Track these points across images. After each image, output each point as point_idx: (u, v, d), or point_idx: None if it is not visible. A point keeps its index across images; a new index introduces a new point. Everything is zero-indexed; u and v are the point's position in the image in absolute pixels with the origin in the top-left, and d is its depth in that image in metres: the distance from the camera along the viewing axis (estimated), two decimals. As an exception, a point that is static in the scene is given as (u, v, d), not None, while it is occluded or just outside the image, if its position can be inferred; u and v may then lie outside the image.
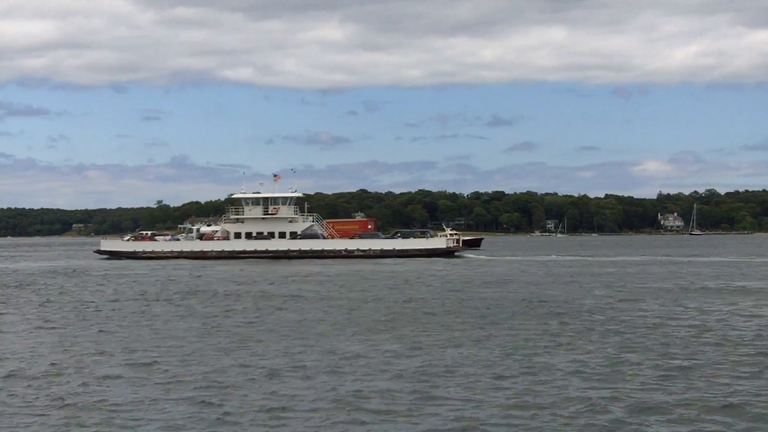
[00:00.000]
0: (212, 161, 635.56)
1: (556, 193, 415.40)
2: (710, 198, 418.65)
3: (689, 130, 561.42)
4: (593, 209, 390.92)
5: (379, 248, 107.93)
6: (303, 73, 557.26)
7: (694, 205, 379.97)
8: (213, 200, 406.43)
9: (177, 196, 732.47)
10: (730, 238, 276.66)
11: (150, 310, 44.58)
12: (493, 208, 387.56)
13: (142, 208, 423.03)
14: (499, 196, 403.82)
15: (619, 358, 27.43)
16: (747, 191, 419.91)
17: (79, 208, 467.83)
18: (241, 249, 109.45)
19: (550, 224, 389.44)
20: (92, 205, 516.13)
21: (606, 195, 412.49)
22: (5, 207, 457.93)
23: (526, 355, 28.32)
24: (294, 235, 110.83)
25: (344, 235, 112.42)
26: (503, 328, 35.29)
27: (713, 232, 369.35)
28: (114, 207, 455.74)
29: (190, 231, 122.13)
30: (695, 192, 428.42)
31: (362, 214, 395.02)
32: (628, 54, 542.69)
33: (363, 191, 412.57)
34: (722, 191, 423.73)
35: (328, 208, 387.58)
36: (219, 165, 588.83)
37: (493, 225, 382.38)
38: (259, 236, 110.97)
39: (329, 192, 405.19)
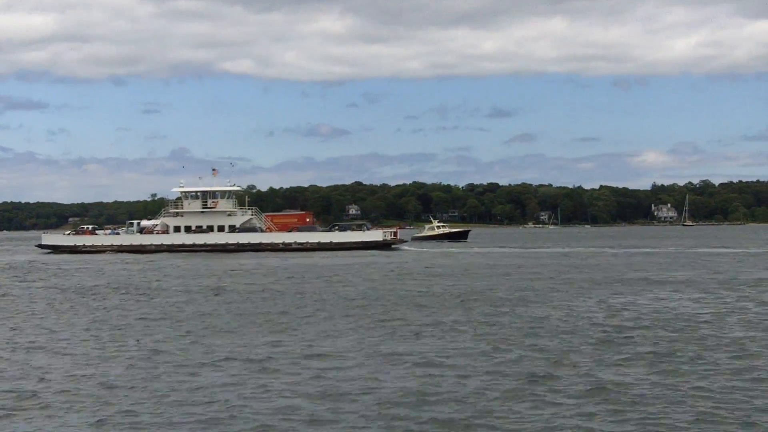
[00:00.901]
0: (212, 154, 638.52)
1: (551, 185, 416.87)
2: (704, 189, 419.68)
3: (689, 120, 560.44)
4: (587, 201, 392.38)
5: (316, 241, 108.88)
6: (303, 66, 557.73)
7: (686, 196, 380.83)
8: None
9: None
10: (720, 229, 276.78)
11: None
12: (486, 200, 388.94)
13: (137, 202, 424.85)
14: (493, 187, 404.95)
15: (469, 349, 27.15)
16: (741, 182, 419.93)
17: (76, 202, 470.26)
18: (180, 242, 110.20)
19: (544, 216, 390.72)
20: (91, 199, 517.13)
21: (601, 186, 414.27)
22: (1, 201, 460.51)
23: (372, 344, 28.35)
24: (233, 229, 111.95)
25: (283, 228, 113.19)
26: (362, 318, 35.70)
27: (706, 223, 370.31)
28: (113, 200, 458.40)
29: (131, 225, 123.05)
30: (690, 183, 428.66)
31: (356, 207, 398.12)
32: (628, 45, 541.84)
33: (358, 183, 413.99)
34: (722, 182, 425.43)
35: (322, 200, 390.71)
36: (219, 158, 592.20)
37: (487, 217, 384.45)
38: (198, 230, 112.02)
39: (329, 184, 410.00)
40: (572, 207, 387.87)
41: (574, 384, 21.51)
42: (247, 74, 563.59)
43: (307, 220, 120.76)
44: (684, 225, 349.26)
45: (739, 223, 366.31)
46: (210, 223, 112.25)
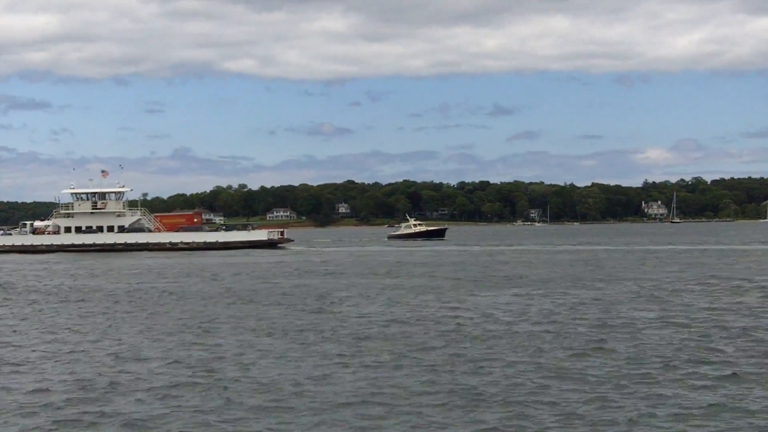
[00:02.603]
0: (214, 153, 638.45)
1: (542, 182, 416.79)
2: (696, 186, 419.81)
3: (691, 117, 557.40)
4: (576, 198, 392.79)
5: (203, 241, 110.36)
6: (306, 64, 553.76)
7: (674, 194, 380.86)
8: (199, 192, 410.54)
9: (178, 188, 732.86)
10: (708, 226, 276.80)
11: None
12: (476, 198, 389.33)
13: (134, 201, 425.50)
14: (483, 185, 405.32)
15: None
16: (733, 179, 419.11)
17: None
18: (70, 243, 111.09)
19: (534, 213, 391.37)
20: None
21: (593, 183, 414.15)
22: (5, 200, 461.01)
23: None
24: (122, 229, 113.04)
25: (171, 228, 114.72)
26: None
27: (696, 220, 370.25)
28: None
29: (24, 226, 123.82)
30: (682, 180, 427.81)
31: (346, 206, 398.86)
32: (630, 42, 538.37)
33: (350, 182, 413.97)
34: (715, 179, 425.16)
35: (312, 199, 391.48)
36: (221, 157, 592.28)
37: (477, 215, 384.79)
38: (89, 230, 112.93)
39: (331, 182, 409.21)
40: (562, 204, 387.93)
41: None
42: (250, 73, 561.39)
43: (195, 220, 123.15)
44: (672, 222, 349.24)
45: (728, 219, 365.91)
46: (99, 224, 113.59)
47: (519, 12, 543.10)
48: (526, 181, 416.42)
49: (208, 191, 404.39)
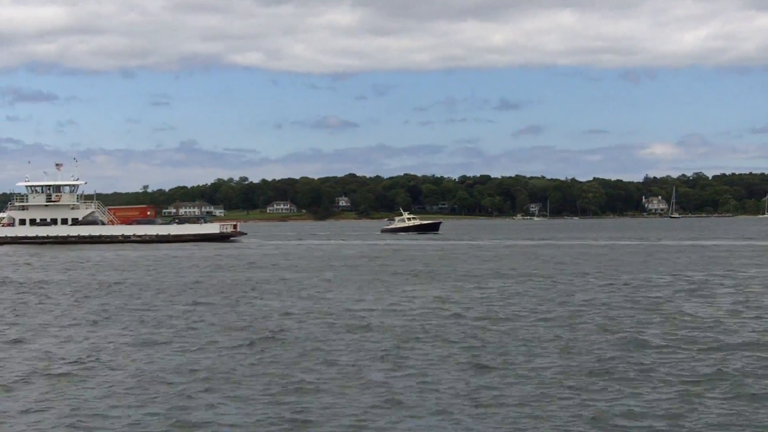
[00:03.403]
0: (220, 145, 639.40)
1: (544, 177, 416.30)
2: (697, 181, 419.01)
3: (697, 113, 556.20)
4: (576, 193, 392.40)
5: (155, 234, 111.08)
6: (312, 58, 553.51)
7: (674, 189, 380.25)
8: (199, 185, 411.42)
9: (184, 180, 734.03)
10: (706, 221, 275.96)
11: None
12: (476, 192, 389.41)
13: (136, 193, 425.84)
14: (484, 179, 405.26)
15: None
16: (734, 174, 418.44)
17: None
18: (24, 234, 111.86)
19: (534, 208, 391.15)
20: (100, 190, 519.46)
21: (594, 178, 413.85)
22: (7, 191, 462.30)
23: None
24: (75, 221, 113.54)
25: (124, 221, 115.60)
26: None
27: (696, 215, 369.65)
28: (119, 192, 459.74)
29: None
30: (683, 175, 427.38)
31: (346, 199, 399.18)
32: (637, 38, 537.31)
33: (351, 176, 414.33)
34: (716, 174, 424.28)
35: (312, 192, 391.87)
36: (226, 149, 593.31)
37: (477, 209, 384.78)
38: (43, 222, 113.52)
39: (335, 175, 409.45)
40: (562, 199, 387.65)
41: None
42: (257, 67, 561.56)
43: (148, 213, 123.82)
44: (671, 217, 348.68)
45: (728, 215, 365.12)
46: (54, 216, 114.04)
47: (526, 7, 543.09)
48: (531, 175, 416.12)
49: (209, 184, 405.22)
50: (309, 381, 19.77)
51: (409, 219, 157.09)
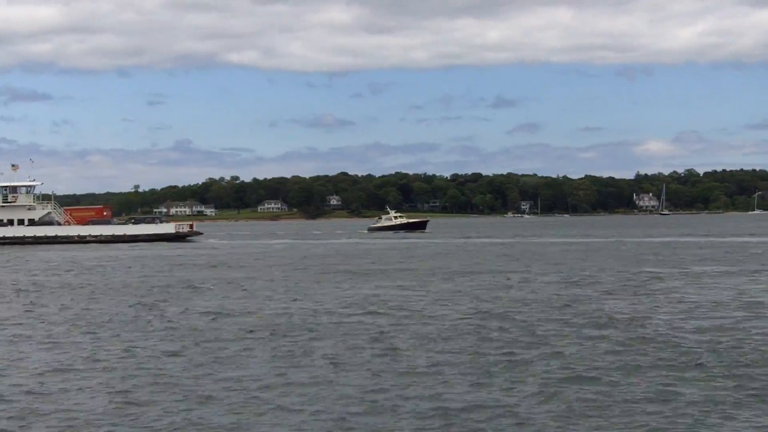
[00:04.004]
0: (216, 145, 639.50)
1: (536, 174, 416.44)
2: (688, 178, 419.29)
3: (693, 109, 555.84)
4: (567, 190, 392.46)
5: (111, 234, 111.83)
6: (308, 56, 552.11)
7: (663, 185, 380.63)
8: (190, 185, 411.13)
9: (180, 180, 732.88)
10: (696, 218, 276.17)
11: None
12: (467, 190, 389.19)
13: (128, 193, 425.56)
14: (475, 178, 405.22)
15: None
16: (725, 171, 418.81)
17: (68, 193, 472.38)
18: None
19: (525, 205, 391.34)
20: (97, 190, 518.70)
21: (585, 176, 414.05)
22: None
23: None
24: (32, 222, 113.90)
25: (81, 221, 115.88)
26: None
27: (686, 212, 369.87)
28: (104, 191, 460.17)
29: None
30: (675, 172, 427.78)
31: (337, 198, 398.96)
32: (633, 34, 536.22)
33: (343, 174, 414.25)
34: (707, 171, 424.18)
35: (303, 191, 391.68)
36: (222, 148, 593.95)
37: (468, 207, 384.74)
38: None
39: (332, 174, 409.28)
40: (553, 196, 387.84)
41: None
42: (252, 65, 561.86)
43: (105, 213, 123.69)
44: (661, 214, 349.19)
45: (719, 211, 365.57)
46: (10, 217, 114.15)
47: (522, 4, 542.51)
48: (528, 173, 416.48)
49: (200, 183, 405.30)
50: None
51: (396, 217, 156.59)
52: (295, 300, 35.93)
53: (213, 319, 30.17)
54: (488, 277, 45.74)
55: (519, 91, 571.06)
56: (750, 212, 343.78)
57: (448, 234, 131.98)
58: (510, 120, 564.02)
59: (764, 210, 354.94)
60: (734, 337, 24.17)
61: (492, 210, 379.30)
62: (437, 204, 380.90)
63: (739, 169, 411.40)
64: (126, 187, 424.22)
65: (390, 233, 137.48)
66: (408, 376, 19.54)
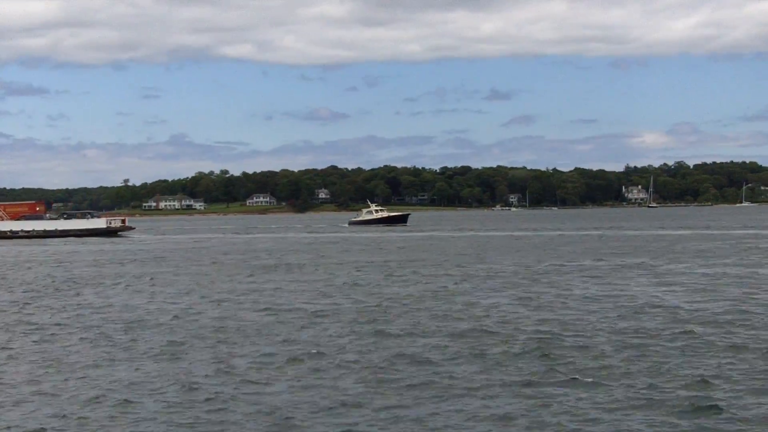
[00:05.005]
0: (211, 138, 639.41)
1: (525, 167, 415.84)
2: (678, 170, 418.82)
3: (688, 101, 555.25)
4: (556, 183, 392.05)
5: (42, 229, 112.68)
6: (302, 49, 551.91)
7: (651, 178, 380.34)
8: (180, 178, 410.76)
9: (175, 173, 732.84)
10: (684, 210, 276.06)
11: None
12: (456, 183, 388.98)
13: (117, 187, 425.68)
14: (463, 171, 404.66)
15: None
16: (714, 163, 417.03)
17: (62, 188, 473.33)
18: None
19: (513, 198, 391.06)
20: (93, 184, 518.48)
21: (575, 168, 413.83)
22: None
23: None
24: None
25: (14, 216, 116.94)
26: None
27: (675, 205, 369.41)
28: (98, 186, 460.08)
29: None
30: (664, 164, 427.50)
31: (326, 191, 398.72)
32: (627, 26, 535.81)
33: (333, 167, 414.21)
34: (697, 163, 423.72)
35: (291, 185, 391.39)
36: (217, 142, 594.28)
37: (456, 200, 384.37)
38: None
39: (311, 168, 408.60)
40: (542, 189, 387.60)
41: None
42: (247, 58, 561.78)
43: (38, 209, 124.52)
44: (648, 206, 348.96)
45: (708, 204, 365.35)
46: None
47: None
48: (524, 165, 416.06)
49: (189, 177, 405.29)
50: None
51: (376, 211, 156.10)
52: (160, 296, 36.06)
53: (77, 314, 30.22)
54: (377, 272, 45.88)
55: (513, 84, 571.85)
56: (737, 204, 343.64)
57: (426, 227, 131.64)
58: (504, 112, 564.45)
59: (752, 202, 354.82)
60: (554, 330, 24.23)
61: (480, 203, 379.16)
62: (425, 197, 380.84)
63: (728, 161, 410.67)
64: (121, 181, 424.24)
65: (370, 227, 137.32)
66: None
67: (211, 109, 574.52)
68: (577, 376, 17.85)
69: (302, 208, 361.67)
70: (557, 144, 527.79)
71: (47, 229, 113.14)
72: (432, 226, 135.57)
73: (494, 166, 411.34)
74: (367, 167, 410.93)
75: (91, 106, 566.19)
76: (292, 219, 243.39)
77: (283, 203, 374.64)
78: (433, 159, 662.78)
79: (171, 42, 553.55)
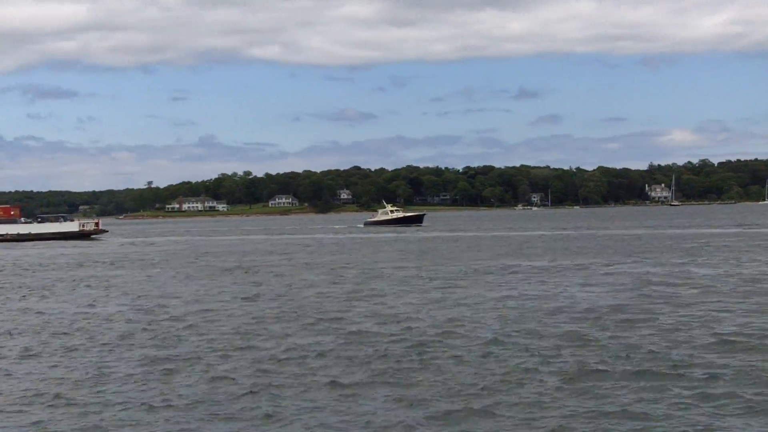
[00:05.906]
0: (239, 140, 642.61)
1: (548, 167, 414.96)
2: (702, 168, 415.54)
3: (717, 99, 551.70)
4: (578, 182, 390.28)
5: (16, 233, 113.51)
6: (330, 50, 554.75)
7: (673, 176, 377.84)
8: (204, 180, 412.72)
9: (204, 175, 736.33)
10: (707, 208, 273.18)
11: None
12: (478, 183, 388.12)
13: (141, 189, 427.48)
14: (485, 170, 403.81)
15: None
16: (739, 161, 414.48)
17: (87, 190, 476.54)
18: None
19: (536, 198, 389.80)
20: (121, 186, 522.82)
21: (599, 167, 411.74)
22: (13, 190, 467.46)
23: None
24: None
25: None
26: None
27: (698, 203, 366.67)
28: (124, 188, 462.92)
29: None
30: (689, 162, 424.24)
31: (347, 192, 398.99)
32: (656, 24, 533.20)
33: (355, 168, 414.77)
34: (721, 161, 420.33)
35: (313, 186, 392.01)
36: (245, 143, 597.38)
37: (478, 199, 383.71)
38: None
39: (333, 169, 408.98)
40: (563, 188, 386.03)
41: None
42: (274, 60, 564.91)
43: (12, 213, 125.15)
44: (671, 204, 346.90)
45: (731, 201, 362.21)
46: None
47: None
48: (551, 164, 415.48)
49: (212, 179, 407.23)
50: None
51: (392, 211, 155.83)
52: (109, 298, 36.04)
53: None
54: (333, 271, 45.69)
55: (541, 83, 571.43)
56: (761, 202, 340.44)
57: (439, 227, 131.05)
58: (532, 111, 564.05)
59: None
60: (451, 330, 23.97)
61: (502, 202, 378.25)
62: (447, 197, 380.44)
63: (753, 158, 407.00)
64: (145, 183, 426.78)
65: (385, 227, 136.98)
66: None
67: (239, 111, 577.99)
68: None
69: (324, 209, 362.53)
70: (584, 143, 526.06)
71: (21, 232, 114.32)
72: (456, 227, 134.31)
73: (518, 165, 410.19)
74: (393, 168, 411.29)
75: (120, 109, 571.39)
76: (311, 220, 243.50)
77: (305, 204, 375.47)
78: (460, 159, 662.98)
79: (199, 44, 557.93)
